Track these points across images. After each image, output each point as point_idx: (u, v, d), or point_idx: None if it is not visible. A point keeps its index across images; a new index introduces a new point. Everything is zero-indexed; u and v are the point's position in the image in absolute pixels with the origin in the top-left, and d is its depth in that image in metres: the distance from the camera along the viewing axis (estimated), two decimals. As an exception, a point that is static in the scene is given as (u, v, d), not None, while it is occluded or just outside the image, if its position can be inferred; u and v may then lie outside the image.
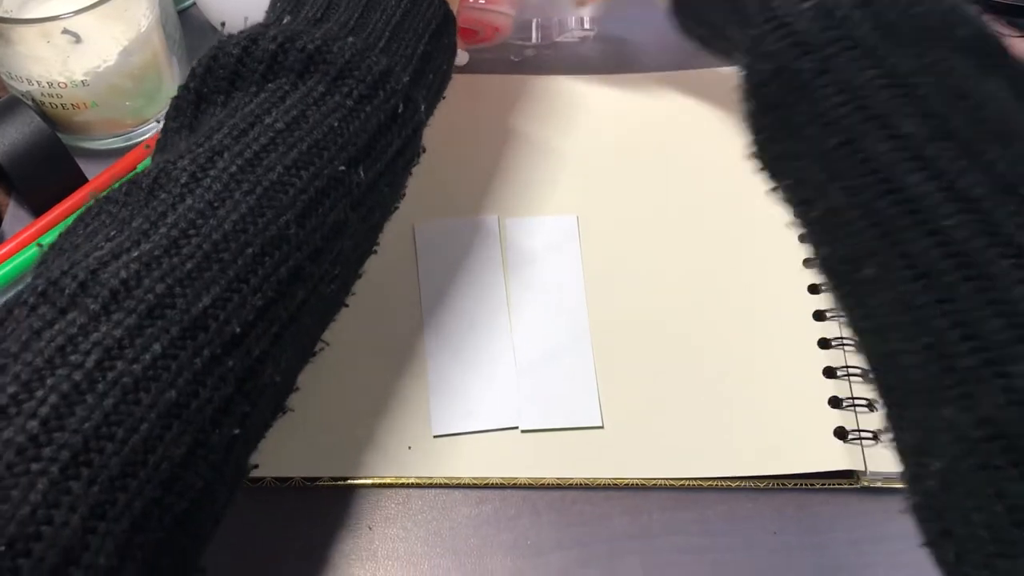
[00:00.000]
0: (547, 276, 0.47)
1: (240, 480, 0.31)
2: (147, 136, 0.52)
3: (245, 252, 0.29)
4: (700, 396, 0.44)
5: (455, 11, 0.41)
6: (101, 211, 0.30)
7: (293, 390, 0.34)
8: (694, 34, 0.43)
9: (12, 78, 0.48)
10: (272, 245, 0.29)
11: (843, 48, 0.30)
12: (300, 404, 0.43)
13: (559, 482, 0.42)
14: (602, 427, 0.43)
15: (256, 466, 0.32)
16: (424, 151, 0.39)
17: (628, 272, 0.48)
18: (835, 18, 0.30)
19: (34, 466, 0.23)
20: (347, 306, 0.37)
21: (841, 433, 0.42)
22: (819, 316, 0.46)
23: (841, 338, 0.45)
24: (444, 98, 0.43)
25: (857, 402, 0.43)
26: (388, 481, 0.41)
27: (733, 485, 0.42)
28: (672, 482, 0.42)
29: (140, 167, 0.49)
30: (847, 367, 0.44)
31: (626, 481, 0.41)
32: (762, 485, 0.42)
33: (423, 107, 0.37)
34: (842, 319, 0.45)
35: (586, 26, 0.54)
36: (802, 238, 0.32)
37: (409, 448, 0.42)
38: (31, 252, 0.46)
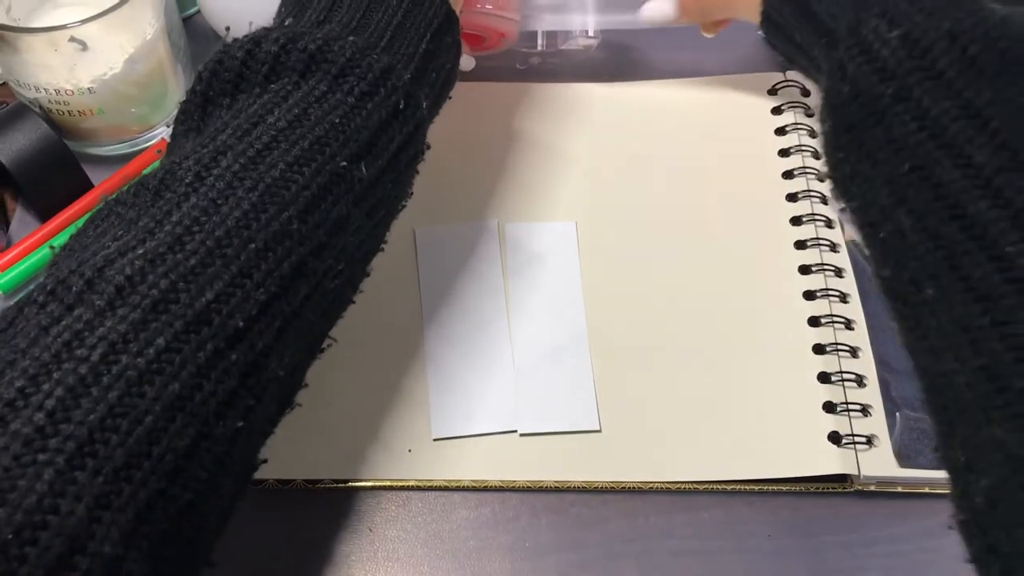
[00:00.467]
0: (546, 281, 0.48)
1: (249, 475, 0.32)
2: (153, 142, 0.53)
3: (248, 247, 0.29)
4: (696, 401, 0.44)
5: (458, 11, 0.41)
6: (111, 213, 0.31)
7: (301, 386, 0.34)
8: (780, 50, 0.43)
9: (20, 85, 0.49)
10: (275, 240, 0.30)
11: (923, 78, 0.31)
12: (302, 407, 0.43)
13: (557, 485, 0.42)
14: (600, 431, 0.43)
15: (265, 461, 0.32)
16: (429, 147, 0.40)
17: (626, 278, 0.48)
18: (919, 48, 0.31)
19: (40, 456, 0.24)
20: (354, 302, 0.38)
21: (835, 438, 0.42)
22: (814, 322, 0.46)
23: (836, 344, 0.45)
24: (450, 98, 0.44)
25: (851, 407, 0.43)
26: (388, 483, 0.42)
27: (728, 489, 0.42)
28: (668, 485, 0.42)
29: (148, 170, 0.50)
30: (841, 372, 0.44)
31: (623, 484, 0.42)
32: (757, 489, 0.42)
33: (425, 104, 0.38)
34: (837, 325, 0.46)
35: (591, 34, 0.54)
36: (866, 257, 0.34)
37: (409, 451, 0.43)
38: (38, 256, 0.47)
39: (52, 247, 0.30)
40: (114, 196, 0.32)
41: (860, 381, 0.44)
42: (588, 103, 0.55)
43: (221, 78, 0.34)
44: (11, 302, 0.46)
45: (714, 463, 0.42)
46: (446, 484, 0.42)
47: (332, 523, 0.41)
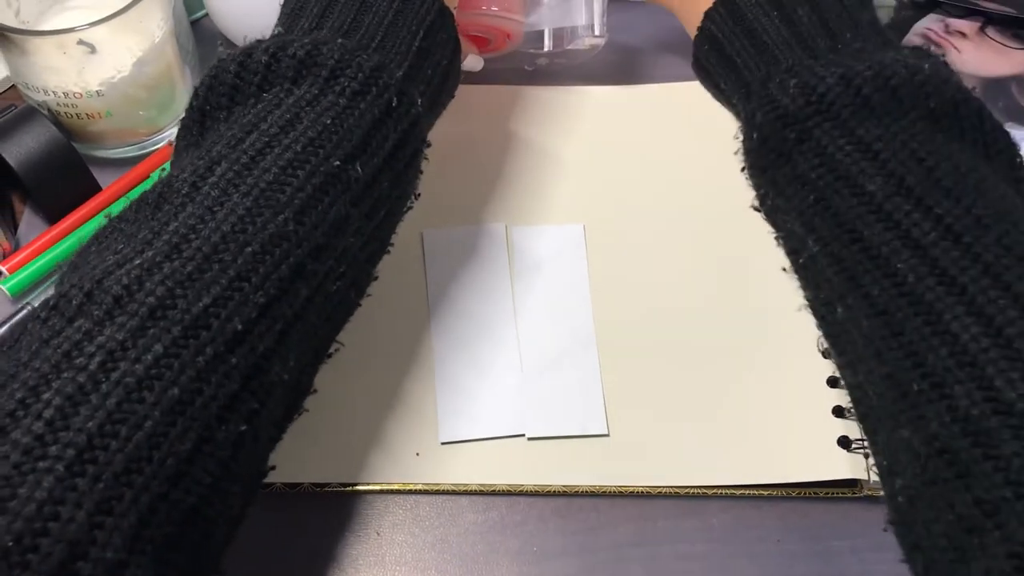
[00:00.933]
0: (554, 284, 0.48)
1: (257, 481, 0.32)
2: (161, 145, 0.53)
3: (244, 251, 0.29)
4: (704, 405, 0.44)
5: (453, 8, 0.41)
6: (113, 229, 0.31)
7: (309, 391, 0.35)
8: (710, 91, 0.46)
9: (29, 88, 0.49)
10: (272, 243, 0.30)
11: (821, 120, 0.34)
12: (308, 411, 0.43)
13: (565, 489, 0.42)
14: (607, 435, 0.43)
15: (273, 468, 0.33)
16: (429, 145, 0.40)
17: (634, 281, 0.48)
18: (816, 93, 0.34)
19: (40, 464, 0.24)
20: (360, 306, 0.38)
21: (845, 442, 0.42)
22: (823, 326, 0.46)
23: (845, 348, 0.45)
24: (453, 97, 0.44)
25: (861, 412, 0.43)
26: (396, 487, 0.42)
27: (737, 493, 0.42)
28: (677, 490, 0.42)
29: (154, 175, 0.50)
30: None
31: (631, 489, 0.42)
32: (766, 493, 0.42)
33: (420, 101, 0.38)
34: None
35: (596, 32, 0.54)
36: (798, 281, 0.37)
37: (417, 455, 0.43)
38: (46, 258, 0.47)
39: (59, 265, 0.30)
40: (117, 213, 0.32)
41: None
42: (596, 106, 0.55)
43: (217, 92, 0.35)
44: (18, 304, 0.46)
45: (722, 467, 0.42)
46: (454, 488, 0.42)
47: (339, 527, 0.41)
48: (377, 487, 0.42)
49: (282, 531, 0.41)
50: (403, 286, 0.47)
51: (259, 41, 0.36)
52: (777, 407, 0.44)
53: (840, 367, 0.35)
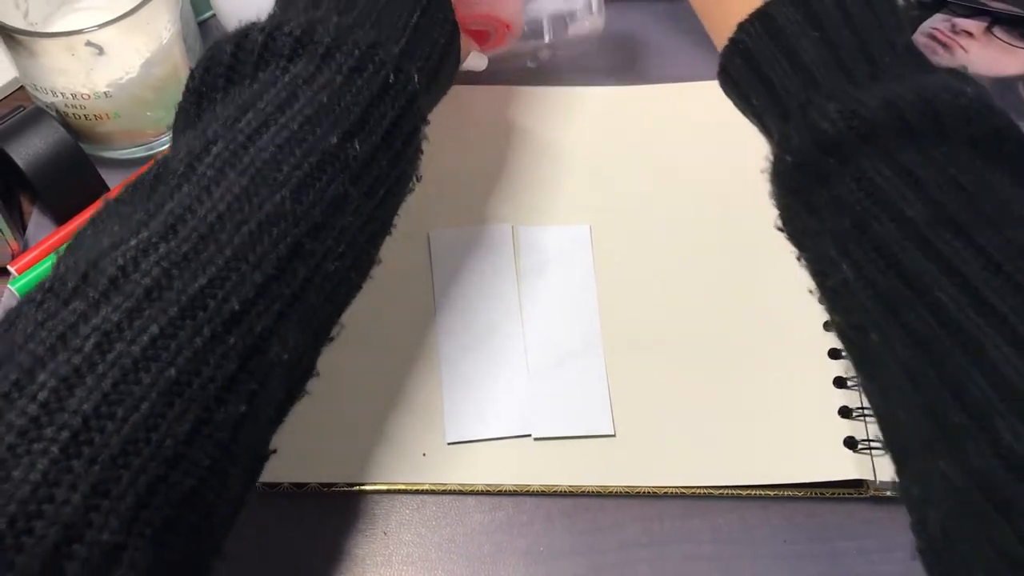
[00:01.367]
0: (560, 285, 0.48)
1: (258, 465, 0.32)
2: (168, 146, 0.53)
3: (241, 231, 0.29)
4: (711, 405, 0.44)
5: None
6: (110, 212, 0.31)
7: (312, 373, 0.34)
8: (734, 103, 0.45)
9: (37, 89, 0.49)
10: (269, 223, 0.30)
11: (862, 144, 0.34)
12: (316, 411, 0.43)
13: (571, 489, 0.42)
14: (614, 435, 0.43)
15: (275, 451, 0.32)
16: (428, 123, 0.39)
17: (640, 282, 0.48)
18: (857, 117, 0.34)
19: (35, 446, 0.24)
20: (361, 288, 0.37)
21: (851, 443, 0.42)
22: (830, 327, 0.46)
23: (852, 348, 0.45)
24: (453, 82, 0.43)
25: (867, 412, 0.43)
26: (403, 487, 0.42)
27: (744, 494, 0.42)
28: (683, 490, 0.42)
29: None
30: (857, 377, 0.44)
31: (638, 489, 0.42)
32: (772, 494, 0.42)
33: (417, 77, 0.37)
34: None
35: (594, 9, 0.54)
36: (820, 301, 0.37)
37: (424, 455, 0.43)
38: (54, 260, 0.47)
39: (58, 253, 0.30)
40: (115, 196, 0.32)
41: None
42: (601, 106, 0.55)
43: (213, 73, 0.35)
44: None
45: (729, 468, 0.42)
46: (460, 488, 0.42)
47: (347, 527, 0.41)
48: (384, 487, 0.42)
49: (289, 531, 0.41)
50: (410, 286, 0.47)
51: (254, 23, 0.36)
52: (784, 408, 0.44)
53: (869, 392, 0.35)
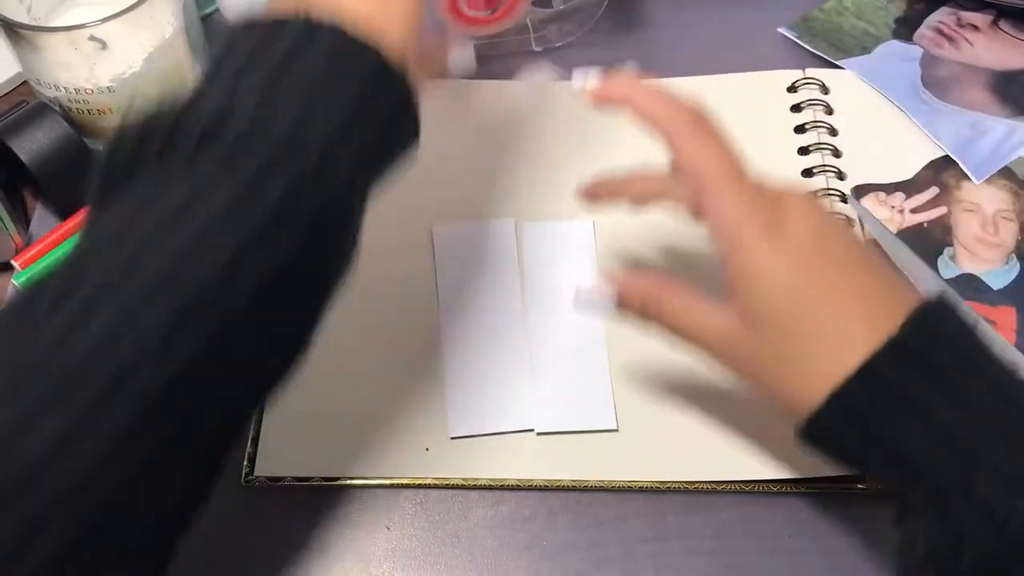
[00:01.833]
0: (563, 280, 0.48)
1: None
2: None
3: (91, 385, 0.27)
4: (714, 400, 0.44)
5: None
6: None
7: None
8: (833, 460, 0.38)
9: (40, 84, 0.49)
10: (127, 373, 0.28)
11: None
12: (320, 406, 0.44)
13: (574, 484, 0.42)
14: (617, 430, 0.43)
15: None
16: (366, 206, 0.35)
17: (644, 276, 0.48)
18: None
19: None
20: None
21: (855, 438, 0.42)
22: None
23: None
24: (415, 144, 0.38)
25: (871, 407, 0.43)
26: (406, 482, 0.42)
27: (747, 489, 0.42)
28: (686, 485, 0.42)
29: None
30: None
31: (641, 484, 0.42)
32: (775, 489, 0.42)
33: (349, 163, 0.33)
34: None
35: None
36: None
37: (427, 450, 0.43)
38: (59, 254, 0.47)
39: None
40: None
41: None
42: (606, 101, 0.55)
43: (115, 161, 0.32)
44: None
45: (732, 463, 0.42)
46: (463, 482, 0.42)
47: (350, 521, 0.41)
48: (387, 481, 0.42)
49: (293, 525, 0.41)
50: (413, 282, 0.47)
51: (171, 99, 0.32)
52: (787, 402, 0.44)
53: None
